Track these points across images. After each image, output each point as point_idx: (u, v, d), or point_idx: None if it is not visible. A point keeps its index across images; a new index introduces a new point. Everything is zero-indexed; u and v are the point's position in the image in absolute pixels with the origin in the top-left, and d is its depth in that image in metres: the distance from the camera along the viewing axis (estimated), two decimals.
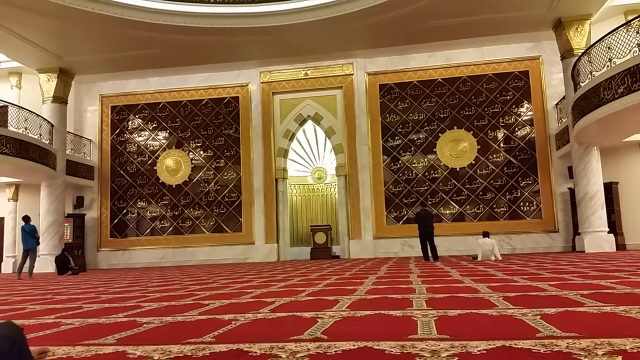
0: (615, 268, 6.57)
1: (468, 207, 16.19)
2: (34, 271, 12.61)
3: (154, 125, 18.34)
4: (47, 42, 14.66)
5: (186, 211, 17.73)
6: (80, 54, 15.57)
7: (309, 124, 18.58)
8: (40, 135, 14.94)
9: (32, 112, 14.86)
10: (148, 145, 18.30)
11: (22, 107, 14.73)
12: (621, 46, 10.66)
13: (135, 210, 18.00)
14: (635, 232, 14.58)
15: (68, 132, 16.89)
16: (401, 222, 16.40)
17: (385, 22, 14.36)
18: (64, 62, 15.87)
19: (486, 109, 16.47)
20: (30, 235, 12.11)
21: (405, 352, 2.05)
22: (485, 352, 2.00)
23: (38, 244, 12.41)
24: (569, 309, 3.09)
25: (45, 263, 15.06)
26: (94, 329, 3.09)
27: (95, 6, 13.00)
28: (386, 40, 15.78)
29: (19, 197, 17.68)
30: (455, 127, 16.57)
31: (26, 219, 12.47)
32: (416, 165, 16.67)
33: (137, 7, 13.56)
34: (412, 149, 16.73)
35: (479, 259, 10.73)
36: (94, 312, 4.05)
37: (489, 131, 16.40)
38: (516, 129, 16.30)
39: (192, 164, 17.99)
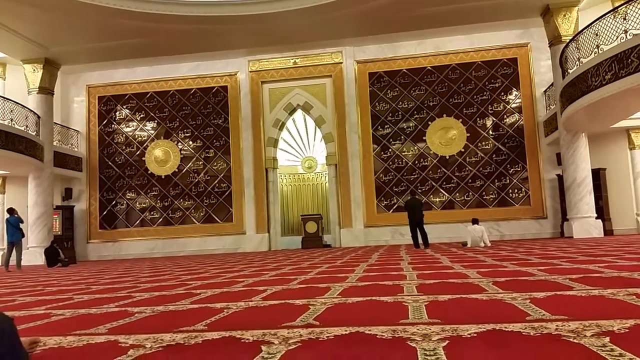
0: (603, 253, 6.66)
1: (457, 194, 16.29)
2: (23, 263, 12.53)
3: (142, 116, 18.19)
4: (32, 32, 14.43)
5: (176, 202, 17.65)
6: (66, 44, 15.35)
7: (299, 113, 18.50)
8: (27, 126, 14.77)
9: (17, 103, 14.68)
10: (136, 136, 18.16)
11: (7, 98, 14.53)
12: (608, 33, 10.72)
13: (125, 202, 17.90)
14: (623, 217, 14.76)
15: (55, 123, 16.72)
16: (391, 210, 16.47)
17: (374, 10, 14.29)
18: (49, 52, 15.65)
19: (475, 96, 16.51)
20: (15, 228, 12.02)
21: (397, 336, 2.07)
22: (475, 335, 2.02)
23: (23, 236, 12.32)
24: (558, 292, 3.13)
25: (34, 255, 14.97)
26: (85, 319, 3.08)
27: None
28: (375, 28, 15.72)
29: (6, 189, 17.50)
30: (444, 115, 16.62)
31: (11, 211, 12.36)
32: (406, 153, 16.70)
33: None
34: (402, 137, 16.76)
35: (469, 245, 10.81)
36: (84, 302, 4.03)
37: (478, 119, 16.45)
38: (505, 116, 16.37)
39: (181, 154, 17.89)
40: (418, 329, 2.16)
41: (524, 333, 2.00)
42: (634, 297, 2.77)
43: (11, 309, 3.87)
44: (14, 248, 12.12)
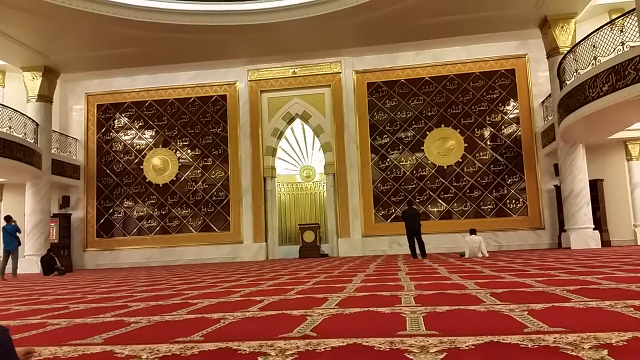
0: (600, 264, 6.65)
1: (455, 204, 16.29)
2: (18, 272, 12.48)
3: (140, 124, 18.20)
4: (32, 40, 14.48)
5: (173, 210, 17.61)
6: (65, 52, 15.40)
7: (297, 123, 18.54)
8: (25, 134, 14.76)
9: (16, 110, 14.67)
10: (134, 144, 18.16)
11: (5, 106, 14.52)
12: (606, 44, 10.79)
13: (122, 210, 17.85)
14: (620, 228, 14.77)
15: (53, 131, 16.70)
16: (389, 220, 16.45)
17: (373, 21, 14.38)
18: (49, 60, 15.68)
19: (473, 107, 16.57)
20: (12, 236, 11.98)
21: (395, 348, 2.06)
22: (473, 347, 2.01)
23: (19, 244, 12.28)
24: (556, 304, 3.12)
25: (30, 263, 14.90)
26: (81, 329, 3.06)
27: (80, 4, 12.87)
28: (374, 38, 15.80)
29: (3, 197, 17.46)
30: (442, 125, 16.66)
31: (7, 218, 12.34)
32: (404, 163, 16.72)
33: (123, 4, 13.45)
34: (400, 147, 16.79)
35: (466, 256, 10.79)
36: (80, 312, 4.01)
37: (476, 129, 16.50)
38: (502, 127, 16.42)
39: (179, 162, 17.88)
40: (416, 341, 2.15)
41: (521, 345, 1.99)
42: (632, 309, 2.76)
43: (6, 318, 3.84)
44: (10, 256, 12.07)
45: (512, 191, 16.08)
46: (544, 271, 5.88)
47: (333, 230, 17.00)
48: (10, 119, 14.33)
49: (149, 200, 17.80)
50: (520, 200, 16.02)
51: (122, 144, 18.20)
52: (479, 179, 16.28)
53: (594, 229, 13.62)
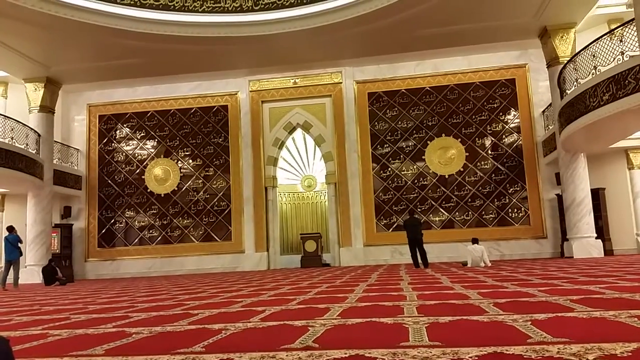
0: (603, 273, 6.62)
1: (457, 214, 16.26)
2: (20, 282, 12.45)
3: (142, 134, 18.24)
4: (34, 51, 14.56)
5: (175, 220, 17.60)
6: (67, 63, 15.47)
7: (299, 132, 18.58)
8: (27, 145, 14.80)
9: (18, 121, 14.72)
10: (136, 155, 18.19)
11: (8, 117, 14.58)
12: (605, 54, 10.81)
13: (124, 220, 17.84)
14: (623, 237, 14.72)
15: (55, 141, 16.75)
16: (391, 229, 16.42)
17: (374, 31, 14.44)
18: (51, 71, 15.76)
19: (474, 116, 16.59)
20: (13, 246, 11.98)
21: (397, 359, 2.04)
22: (477, 358, 1.99)
23: (21, 254, 12.27)
24: (559, 314, 3.11)
25: (32, 274, 14.87)
26: (82, 340, 3.04)
27: (82, 15, 12.95)
28: (375, 49, 15.87)
29: (5, 207, 17.48)
30: (443, 135, 16.67)
31: (10, 229, 12.34)
32: (405, 172, 16.72)
33: (125, 16, 13.53)
34: (401, 156, 16.80)
35: (469, 265, 10.76)
36: (82, 322, 4.00)
37: (477, 139, 16.51)
38: (503, 136, 16.43)
39: (180, 172, 17.90)
40: (419, 352, 2.14)
41: (525, 356, 1.98)
42: (636, 319, 2.74)
43: (7, 329, 3.83)
44: (12, 266, 12.06)
45: (514, 200, 16.06)
46: (547, 280, 5.85)
47: (334, 240, 16.97)
48: (12, 129, 14.39)
49: (150, 210, 17.80)
50: (522, 209, 15.98)
51: (124, 154, 18.24)
52: (480, 188, 16.27)
53: (597, 237, 13.57)
